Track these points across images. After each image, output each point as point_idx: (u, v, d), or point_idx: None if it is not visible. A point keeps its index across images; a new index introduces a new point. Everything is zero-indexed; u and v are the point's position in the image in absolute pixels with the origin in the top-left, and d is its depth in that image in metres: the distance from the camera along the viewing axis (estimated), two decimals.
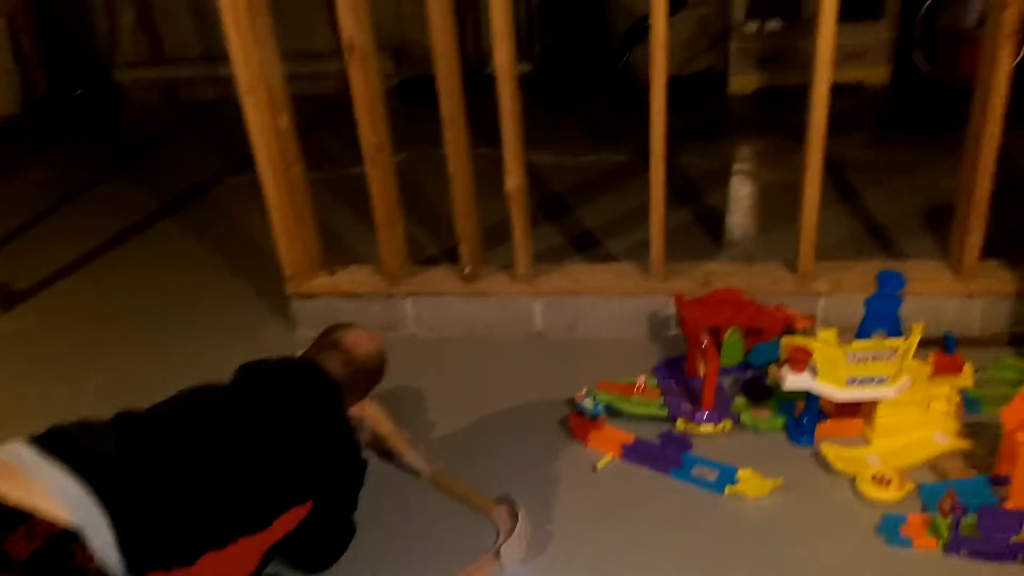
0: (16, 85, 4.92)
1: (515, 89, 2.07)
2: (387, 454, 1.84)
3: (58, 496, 1.14)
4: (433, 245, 2.87)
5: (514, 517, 1.60)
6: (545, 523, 1.65)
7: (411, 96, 4.39)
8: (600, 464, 1.79)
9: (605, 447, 1.83)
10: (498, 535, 1.61)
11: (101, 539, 1.14)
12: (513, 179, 2.17)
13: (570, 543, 1.60)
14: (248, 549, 1.32)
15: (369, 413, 1.84)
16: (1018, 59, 3.95)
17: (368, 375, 1.69)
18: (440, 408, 2.05)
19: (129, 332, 2.54)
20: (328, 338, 1.68)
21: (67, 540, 1.12)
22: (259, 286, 2.70)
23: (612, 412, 1.92)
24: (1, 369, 2.42)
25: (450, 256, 2.69)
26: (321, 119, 3.97)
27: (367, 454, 1.83)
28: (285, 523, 1.37)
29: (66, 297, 2.81)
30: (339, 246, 2.77)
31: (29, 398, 2.25)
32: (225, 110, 4.82)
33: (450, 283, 2.32)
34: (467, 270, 2.29)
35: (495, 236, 2.44)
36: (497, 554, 1.53)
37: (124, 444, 1.28)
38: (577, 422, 1.89)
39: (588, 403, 1.89)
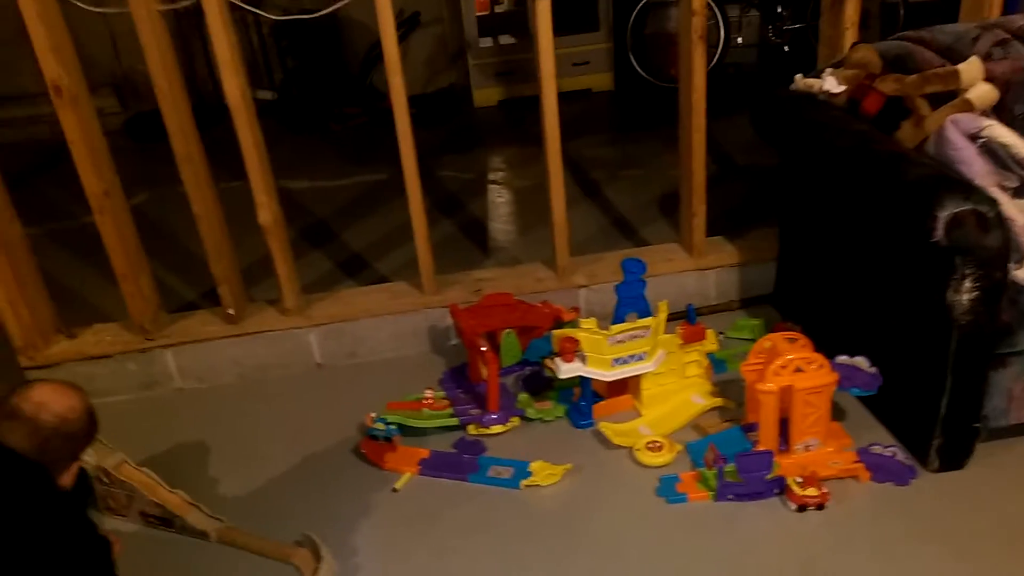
0: None
1: (253, 119, 2.00)
2: (166, 522, 1.69)
3: None
4: (190, 289, 2.68)
5: (317, 558, 1.54)
6: (351, 556, 1.60)
7: (142, 133, 4.06)
8: (399, 484, 1.78)
9: (402, 466, 1.82)
10: None
11: None
12: (266, 211, 2.08)
13: (377, 570, 1.58)
14: None
15: (139, 481, 1.69)
16: (714, 61, 4.46)
17: (67, 439, 1.39)
18: (222, 461, 1.92)
19: None
20: (5, 407, 1.36)
21: None
22: None
23: (405, 431, 1.91)
24: None
25: (211, 298, 2.54)
26: (42, 166, 3.56)
27: (137, 524, 1.67)
28: None
29: None
30: (81, 305, 2.49)
31: None
32: None
33: (213, 327, 2.18)
34: (230, 311, 2.17)
35: (261, 270, 2.33)
36: None
37: None
38: (370, 447, 1.86)
39: (379, 426, 1.87)
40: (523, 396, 2.00)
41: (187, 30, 4.21)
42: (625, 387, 1.96)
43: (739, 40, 4.40)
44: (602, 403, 1.95)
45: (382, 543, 1.64)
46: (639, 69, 4.37)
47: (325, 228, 3.14)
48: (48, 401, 1.37)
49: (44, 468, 1.31)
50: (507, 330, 2.08)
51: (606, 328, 1.85)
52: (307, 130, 4.19)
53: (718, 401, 1.94)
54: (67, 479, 1.39)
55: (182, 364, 2.18)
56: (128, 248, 2.05)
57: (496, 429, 1.91)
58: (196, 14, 1.84)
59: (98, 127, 1.96)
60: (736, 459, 1.68)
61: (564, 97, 2.11)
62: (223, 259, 2.11)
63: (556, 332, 1.95)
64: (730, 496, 1.67)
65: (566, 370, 1.84)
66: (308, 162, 3.71)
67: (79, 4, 2.01)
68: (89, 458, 1.69)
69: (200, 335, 2.17)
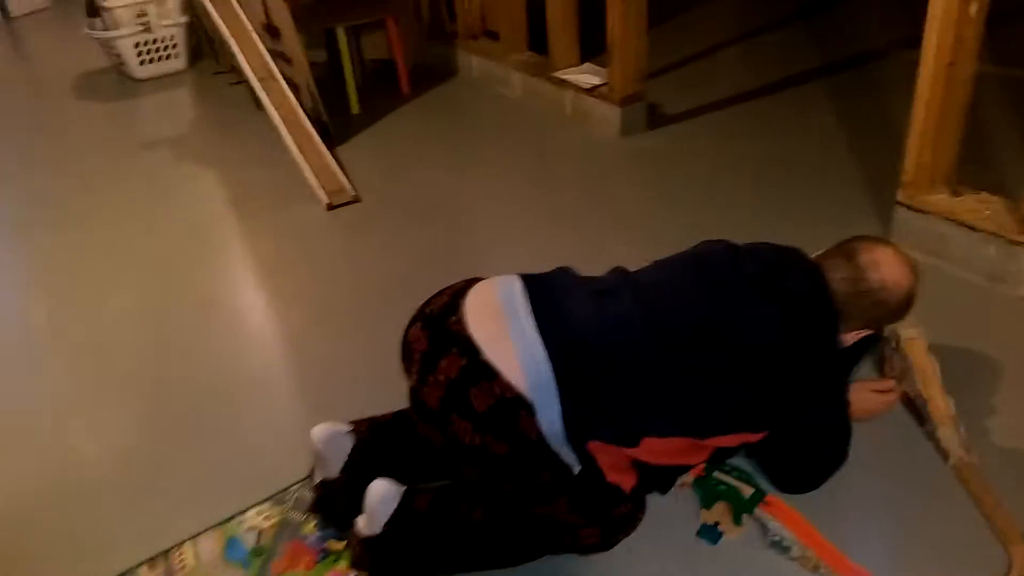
0: None
1: None
2: (920, 416, 1.62)
3: (525, 362, 1.20)
4: None
5: None
6: None
7: None
8: None
9: None
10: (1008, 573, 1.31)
11: (549, 413, 1.19)
12: None
13: None
14: (690, 447, 1.30)
15: (920, 364, 1.62)
16: None
17: (875, 304, 1.39)
18: (1009, 389, 1.68)
19: (735, 179, 2.65)
20: (847, 245, 1.41)
21: (518, 404, 1.19)
22: (875, 178, 2.50)
23: None
24: (636, 175, 2.79)
25: None
26: None
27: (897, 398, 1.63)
28: (727, 441, 1.32)
29: (699, 129, 3.04)
30: (982, 159, 2.34)
31: (660, 207, 2.58)
32: None
33: None
34: None
35: None
36: None
37: (601, 322, 1.27)
38: None
39: None
40: None
41: None
42: None
43: None
44: None
45: None
46: None
47: None
48: (884, 264, 1.39)
49: (836, 316, 1.36)
50: None
51: None
52: None
53: None
54: (848, 337, 1.42)
55: None
56: None
57: None
58: None
59: None
60: None
61: None
62: None
63: None
64: None
65: None
66: None
67: None
68: None
69: None
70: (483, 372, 1.20)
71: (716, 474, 1.45)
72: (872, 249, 1.40)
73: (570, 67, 3.19)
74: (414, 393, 1.29)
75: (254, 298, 2.32)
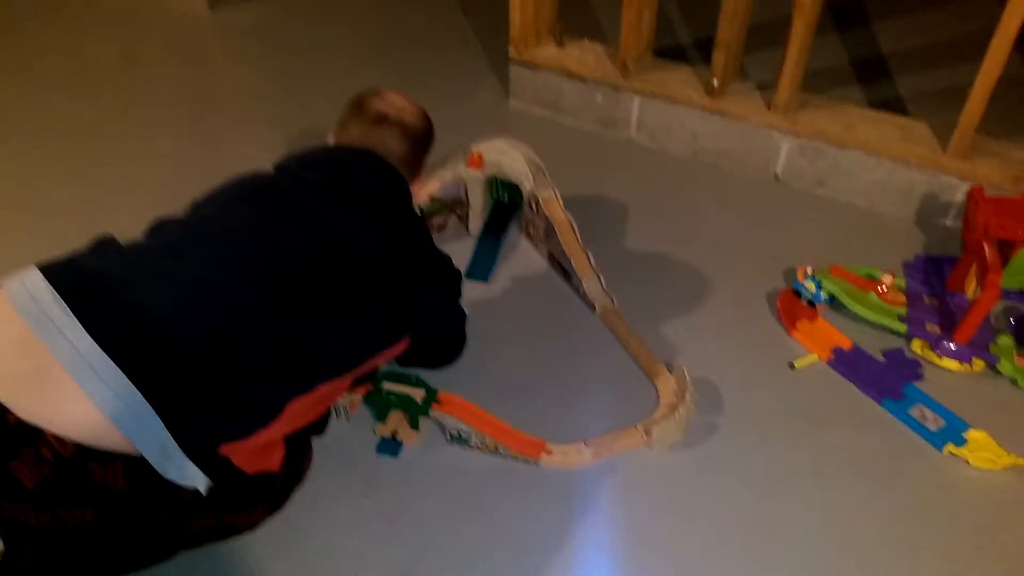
0: None
1: None
2: (566, 273, 1.66)
3: (95, 390, 0.89)
4: (687, 29, 2.44)
5: (680, 394, 1.40)
6: (712, 411, 1.44)
7: None
8: (799, 362, 1.51)
9: (812, 344, 1.54)
10: (656, 407, 1.43)
11: (147, 442, 0.91)
12: None
13: (733, 445, 1.38)
14: (334, 388, 1.14)
15: (559, 223, 1.65)
16: None
17: (423, 144, 1.35)
18: (635, 229, 1.81)
19: (350, 54, 2.44)
20: (369, 112, 1.29)
21: (83, 459, 0.89)
22: (486, 37, 2.46)
23: (835, 304, 1.59)
24: (237, 53, 2.46)
25: (700, 48, 2.29)
26: None
27: (544, 259, 1.66)
28: (372, 365, 1.22)
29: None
30: (579, 11, 2.41)
31: (256, 86, 2.30)
32: None
33: (690, 92, 1.95)
34: (715, 82, 1.90)
35: (755, 38, 1.98)
36: (648, 431, 1.36)
37: (188, 300, 0.98)
38: (787, 303, 1.59)
39: (809, 286, 1.57)
40: (1005, 339, 1.52)
41: None
42: None
43: None
44: None
45: (751, 417, 1.42)
46: None
47: (859, 7, 2.58)
48: (406, 106, 1.33)
49: (407, 186, 1.28)
50: None
51: None
52: None
53: None
54: (423, 191, 1.36)
55: (644, 117, 2.03)
56: None
57: (948, 364, 1.49)
58: None
59: None
60: None
61: None
62: (735, 22, 1.80)
63: None
64: None
65: None
66: None
67: None
68: (527, 183, 1.69)
69: (673, 95, 1.96)
70: (20, 435, 0.87)
71: (386, 385, 1.34)
72: (386, 101, 1.31)
73: None
74: None
75: None
